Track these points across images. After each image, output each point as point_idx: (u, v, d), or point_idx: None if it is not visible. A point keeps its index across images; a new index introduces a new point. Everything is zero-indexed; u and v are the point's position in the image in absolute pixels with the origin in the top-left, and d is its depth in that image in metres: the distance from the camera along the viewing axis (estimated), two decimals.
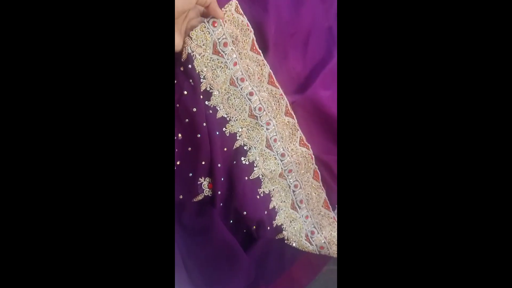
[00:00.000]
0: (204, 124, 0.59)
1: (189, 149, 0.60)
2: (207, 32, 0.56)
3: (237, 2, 0.57)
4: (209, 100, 0.60)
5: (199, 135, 0.59)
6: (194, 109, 0.58)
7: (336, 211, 0.73)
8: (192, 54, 0.56)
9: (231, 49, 0.58)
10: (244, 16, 0.58)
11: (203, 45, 0.56)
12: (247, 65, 0.61)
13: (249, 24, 0.59)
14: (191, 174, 0.61)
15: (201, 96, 0.58)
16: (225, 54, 0.58)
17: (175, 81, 0.57)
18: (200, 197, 0.63)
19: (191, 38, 0.55)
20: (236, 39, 0.58)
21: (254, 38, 0.60)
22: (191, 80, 0.57)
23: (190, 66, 0.56)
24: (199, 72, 0.57)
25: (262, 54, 0.61)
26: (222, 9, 0.56)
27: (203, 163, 0.61)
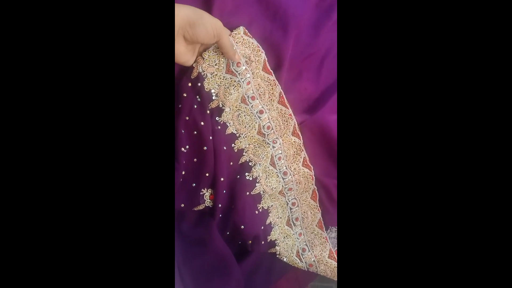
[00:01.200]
0: (211, 137, 0.61)
1: (195, 160, 0.62)
2: (220, 53, 0.58)
3: (244, 27, 0.59)
4: (220, 116, 0.61)
5: (205, 148, 0.61)
6: (202, 123, 0.60)
7: (328, 231, 0.75)
8: (203, 73, 0.58)
9: (245, 68, 0.60)
10: (253, 38, 0.60)
11: (215, 65, 0.58)
12: (258, 84, 0.62)
13: (259, 46, 0.60)
14: (194, 184, 0.63)
15: (208, 111, 0.60)
16: (238, 73, 0.60)
17: (185, 95, 0.59)
18: (201, 207, 0.64)
19: (203, 58, 0.58)
20: (249, 59, 0.60)
21: (266, 59, 0.61)
22: (197, 96, 0.59)
23: (199, 84, 0.58)
24: (208, 90, 0.59)
25: (273, 74, 0.63)
26: (232, 33, 0.58)
27: (207, 175, 0.62)
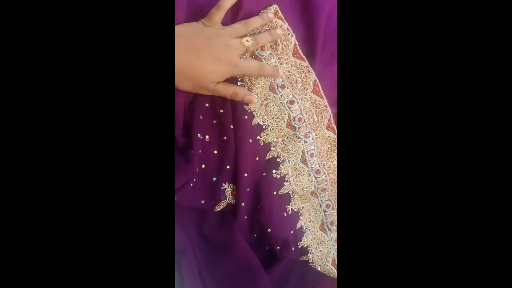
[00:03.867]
0: (231, 126, 0.55)
1: (215, 152, 0.56)
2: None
3: (276, 6, 0.54)
4: (246, 104, 0.55)
5: (225, 138, 0.56)
6: (221, 111, 0.55)
7: None
8: None
9: (270, 53, 0.55)
10: (285, 21, 0.54)
11: None
12: (288, 71, 0.56)
13: (289, 28, 0.55)
14: (215, 178, 0.58)
15: (228, 98, 0.55)
16: (263, 58, 0.55)
17: None
18: (223, 205, 0.58)
19: None
20: (274, 43, 0.54)
21: (297, 43, 0.55)
22: None
23: None
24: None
25: (306, 60, 0.56)
26: (260, 13, 0.53)
27: (228, 167, 0.57)
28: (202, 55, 0.49)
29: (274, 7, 0.54)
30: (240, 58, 0.52)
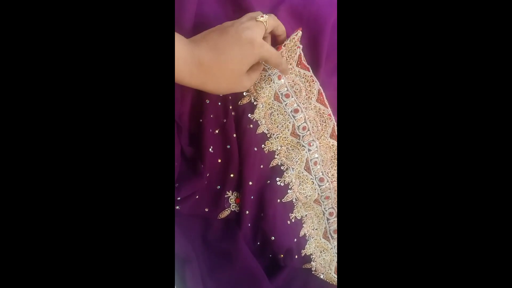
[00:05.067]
0: (234, 135, 0.56)
1: (219, 160, 0.57)
2: None
3: (300, 32, 0.55)
4: (252, 113, 0.56)
5: (228, 146, 0.56)
6: (224, 120, 0.55)
7: None
8: None
9: None
10: (301, 44, 0.56)
11: None
12: (293, 81, 0.57)
13: (297, 41, 0.56)
14: (219, 187, 0.58)
15: (231, 107, 0.56)
16: (268, 68, 0.55)
17: None
18: (226, 212, 0.59)
19: None
20: (280, 54, 0.55)
21: (302, 54, 0.56)
22: None
23: None
24: None
25: (311, 70, 0.57)
26: (288, 40, 0.54)
27: (232, 175, 0.57)
28: (222, 45, 0.44)
29: (300, 33, 0.54)
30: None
